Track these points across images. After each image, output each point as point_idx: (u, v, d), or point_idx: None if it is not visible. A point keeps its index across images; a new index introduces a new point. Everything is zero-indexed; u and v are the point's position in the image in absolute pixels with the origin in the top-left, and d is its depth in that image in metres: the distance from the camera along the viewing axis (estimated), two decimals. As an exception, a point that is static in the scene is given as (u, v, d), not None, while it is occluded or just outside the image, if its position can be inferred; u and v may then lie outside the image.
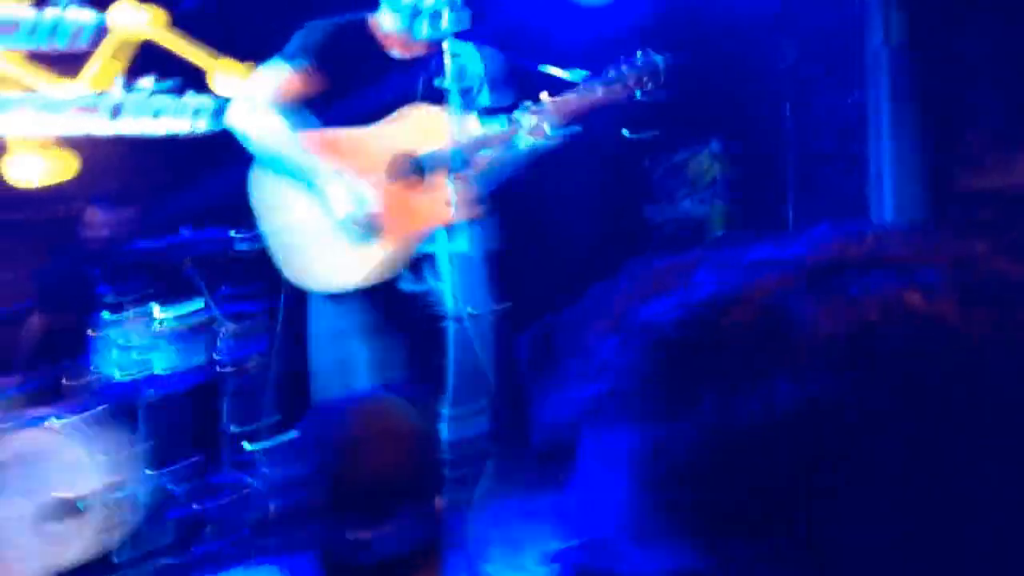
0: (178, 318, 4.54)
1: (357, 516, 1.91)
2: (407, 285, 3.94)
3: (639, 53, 3.89)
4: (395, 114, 3.98)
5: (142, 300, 4.54)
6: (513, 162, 3.95)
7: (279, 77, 3.94)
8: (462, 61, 3.90)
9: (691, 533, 0.57)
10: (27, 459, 4.06)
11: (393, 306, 3.95)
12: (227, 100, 5.60)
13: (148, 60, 5.89)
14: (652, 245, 5.98)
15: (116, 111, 5.78)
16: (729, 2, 5.76)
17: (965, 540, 0.54)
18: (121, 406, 4.41)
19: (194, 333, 4.58)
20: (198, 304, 4.65)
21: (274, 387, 4.67)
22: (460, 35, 3.84)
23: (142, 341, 4.43)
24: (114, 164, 5.85)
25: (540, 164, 4.00)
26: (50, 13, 5.66)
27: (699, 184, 5.99)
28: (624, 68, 3.87)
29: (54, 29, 5.67)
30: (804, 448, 0.55)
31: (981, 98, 5.09)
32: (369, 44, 4.01)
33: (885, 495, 0.54)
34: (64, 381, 4.45)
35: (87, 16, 5.76)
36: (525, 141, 3.87)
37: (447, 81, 3.80)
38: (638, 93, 3.85)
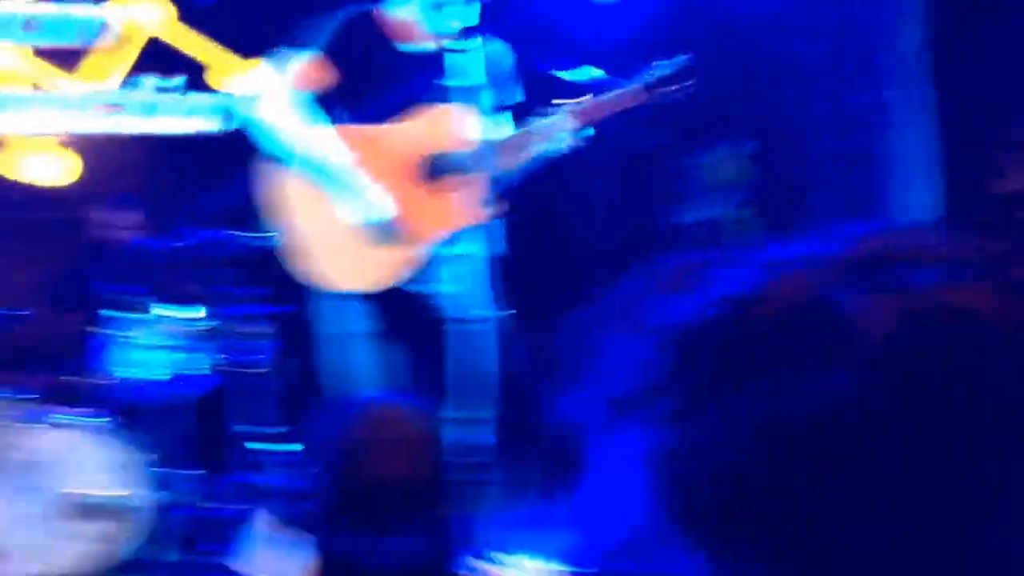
0: (185, 320, 4.53)
1: (367, 521, 1.91)
2: (412, 286, 3.88)
3: (665, 60, 3.91)
4: (409, 113, 3.92)
5: (149, 302, 4.54)
6: (529, 165, 3.92)
7: (294, 67, 3.87)
8: (474, 58, 3.83)
9: (718, 535, 0.57)
10: (34, 459, 4.08)
11: (398, 308, 3.90)
12: (235, 98, 5.60)
13: (154, 57, 5.84)
14: (675, 247, 5.94)
15: (121, 109, 5.73)
16: (751, 3, 5.73)
17: None
18: (128, 407, 4.42)
19: (201, 335, 4.57)
20: (205, 306, 4.64)
21: (281, 390, 4.68)
22: (471, 31, 3.77)
23: (149, 343, 4.44)
24: (119, 163, 5.84)
25: (562, 166, 4.00)
26: (57, 9, 5.62)
27: (722, 186, 5.95)
28: (650, 73, 3.88)
29: (61, 25, 5.62)
30: (861, 440, 0.54)
31: (1005, 100, 5.07)
32: (379, 36, 3.95)
33: (940, 485, 0.54)
34: (71, 382, 4.46)
35: (94, 12, 5.71)
36: (546, 145, 3.87)
37: (459, 79, 3.74)
38: (663, 97, 3.86)
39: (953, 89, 5.21)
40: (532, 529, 3.95)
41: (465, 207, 3.77)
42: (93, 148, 5.77)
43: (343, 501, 1.94)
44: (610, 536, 0.62)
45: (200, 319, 4.56)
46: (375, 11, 3.99)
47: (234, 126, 5.66)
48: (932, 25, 5.24)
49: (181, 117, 5.83)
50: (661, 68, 3.87)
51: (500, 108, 3.97)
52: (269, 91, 3.94)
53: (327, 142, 3.86)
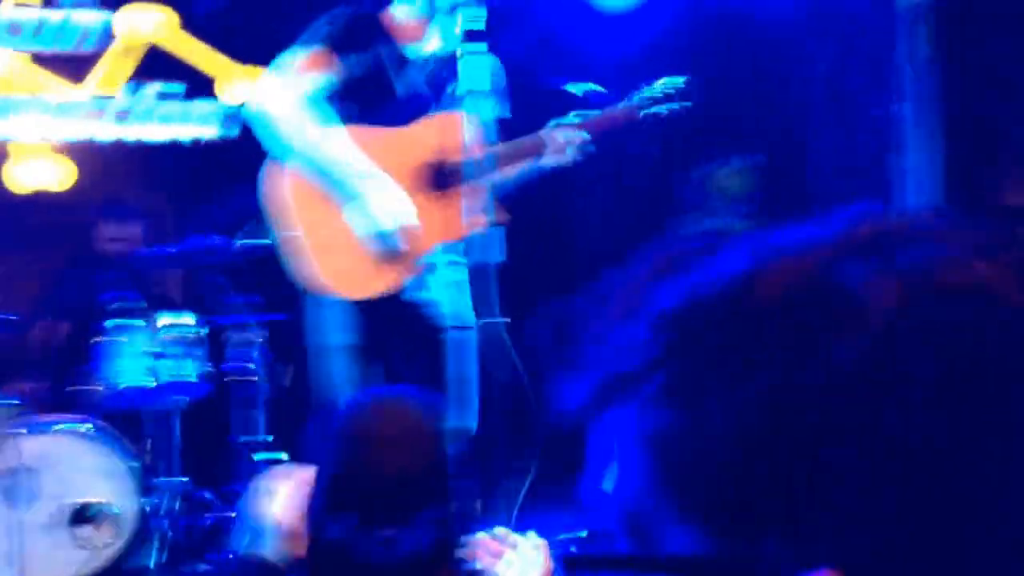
0: (185, 327, 4.53)
1: (382, 514, 1.92)
2: (409, 293, 3.84)
3: (662, 80, 4.02)
4: (413, 119, 3.90)
5: (149, 309, 4.55)
6: (528, 176, 3.94)
7: (299, 61, 3.82)
8: (479, 65, 3.79)
9: (719, 515, 0.57)
10: (35, 466, 4.10)
11: (394, 317, 3.87)
12: (238, 103, 5.58)
13: (156, 64, 5.83)
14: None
15: (123, 116, 5.70)
16: (758, 15, 5.74)
17: None
18: (128, 414, 4.46)
19: (201, 342, 4.57)
20: (205, 313, 4.65)
21: (272, 398, 4.69)
22: (477, 37, 3.74)
23: (149, 350, 4.43)
24: (121, 170, 5.83)
25: (566, 177, 4.05)
26: (57, 15, 5.60)
27: (729, 198, 5.94)
28: (647, 91, 3.99)
29: (60, 31, 5.61)
30: (862, 418, 0.54)
31: (1014, 112, 5.07)
32: (384, 37, 3.92)
33: (945, 461, 0.54)
34: (72, 389, 4.49)
35: (94, 18, 5.69)
36: (548, 158, 3.91)
37: (464, 86, 3.71)
38: (661, 112, 3.98)
39: (962, 103, 5.21)
40: (532, 510, 3.94)
41: (467, 216, 3.73)
42: (92, 154, 5.74)
43: (362, 494, 1.95)
44: (610, 517, 0.62)
45: (192, 326, 4.55)
46: (380, 12, 3.97)
47: (236, 132, 5.66)
48: (942, 38, 5.25)
49: (182, 123, 5.81)
50: (651, 89, 3.97)
51: (500, 120, 3.95)
52: (276, 90, 3.90)
53: (337, 142, 3.82)
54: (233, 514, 4.33)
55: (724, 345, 0.58)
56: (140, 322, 4.47)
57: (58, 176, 5.69)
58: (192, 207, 5.30)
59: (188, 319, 4.55)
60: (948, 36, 5.23)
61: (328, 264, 3.84)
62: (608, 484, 0.62)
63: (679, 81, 4.00)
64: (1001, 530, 0.55)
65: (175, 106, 5.78)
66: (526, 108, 4.05)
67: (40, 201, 5.67)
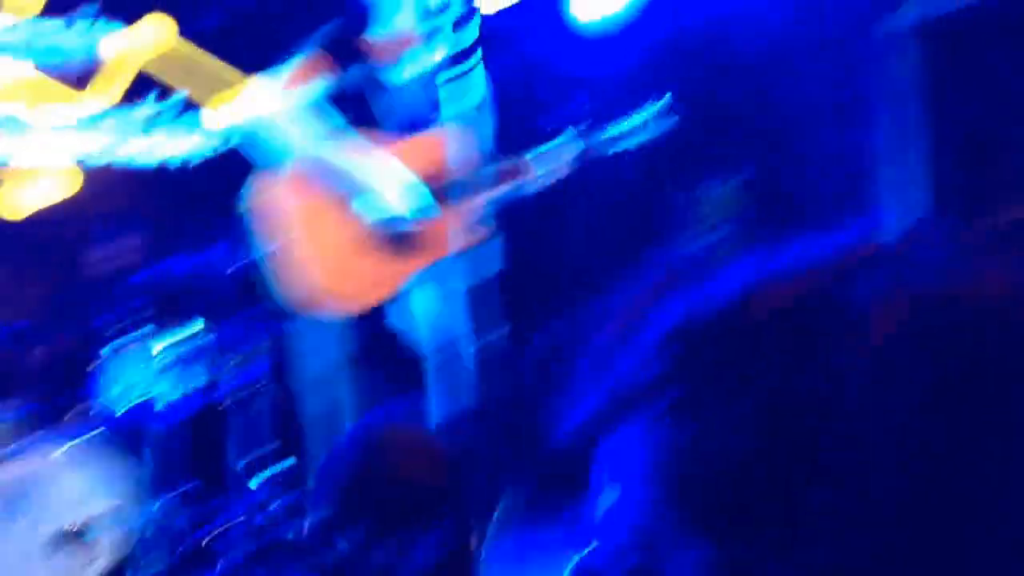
0: (178, 345, 4.54)
1: (391, 532, 1.96)
2: (393, 320, 3.85)
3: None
4: (406, 134, 3.91)
5: (142, 326, 4.55)
6: (521, 192, 3.96)
7: (295, 68, 3.84)
8: (471, 81, 3.82)
9: (725, 529, 0.57)
10: (28, 485, 4.07)
11: (385, 333, 3.90)
12: (234, 114, 5.59)
13: (151, 79, 5.83)
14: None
15: (119, 129, 5.71)
16: (747, 33, 5.76)
17: None
18: (122, 432, 4.42)
19: (195, 360, 4.57)
20: (198, 330, 4.64)
21: (274, 410, 4.64)
22: (469, 52, 3.76)
23: (143, 368, 4.45)
24: (116, 187, 5.81)
25: (558, 195, 4.07)
26: (54, 27, 5.61)
27: (715, 219, 5.97)
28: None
29: (58, 45, 5.61)
30: (866, 432, 0.54)
31: (1010, 129, 5.10)
32: (368, 58, 3.93)
33: (948, 472, 0.54)
34: (66, 407, 4.49)
35: (92, 31, 5.70)
36: (534, 181, 3.95)
37: (448, 108, 3.73)
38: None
39: (947, 127, 5.23)
40: (535, 526, 3.93)
41: (461, 232, 3.75)
42: (88, 171, 5.75)
43: (372, 514, 1.98)
44: (617, 533, 0.62)
45: (193, 339, 4.56)
46: (361, 35, 3.97)
47: (232, 145, 5.67)
48: (928, 58, 5.27)
49: (178, 137, 5.83)
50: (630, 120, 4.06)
51: (487, 139, 3.97)
52: (274, 96, 3.91)
53: (339, 141, 3.83)
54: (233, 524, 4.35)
55: (726, 360, 0.58)
56: (136, 340, 4.48)
57: (56, 191, 5.70)
58: (185, 223, 5.30)
59: (188, 333, 4.56)
60: (934, 56, 5.27)
61: (330, 267, 3.84)
62: (614, 499, 0.62)
63: (652, 110, 4.07)
64: (1000, 536, 0.55)
65: (171, 119, 5.80)
66: (510, 128, 4.08)
67: (36, 218, 5.68)
